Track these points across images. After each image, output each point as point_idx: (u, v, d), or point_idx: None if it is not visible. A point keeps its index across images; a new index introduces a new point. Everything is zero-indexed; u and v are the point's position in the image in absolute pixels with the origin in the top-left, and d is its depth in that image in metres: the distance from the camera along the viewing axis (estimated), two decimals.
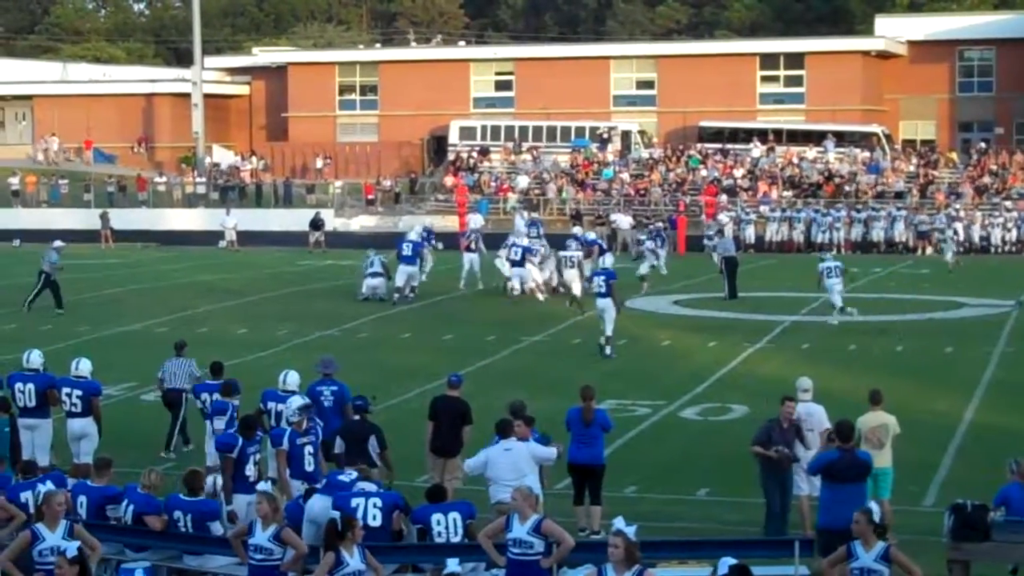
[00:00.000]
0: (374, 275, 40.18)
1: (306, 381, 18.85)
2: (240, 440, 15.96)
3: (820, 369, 25.64)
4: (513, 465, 15.51)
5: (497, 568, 13.10)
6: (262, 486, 13.68)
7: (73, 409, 18.95)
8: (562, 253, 39.43)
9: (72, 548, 11.14)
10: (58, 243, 40.46)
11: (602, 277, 30.60)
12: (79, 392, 18.95)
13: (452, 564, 11.94)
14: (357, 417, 17.19)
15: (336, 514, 12.83)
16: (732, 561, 10.52)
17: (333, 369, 19.27)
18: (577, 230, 45.33)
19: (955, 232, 56.56)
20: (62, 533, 12.45)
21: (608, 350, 30.17)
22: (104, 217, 66.54)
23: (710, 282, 43.12)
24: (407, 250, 39.90)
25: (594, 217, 62.84)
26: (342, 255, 57.05)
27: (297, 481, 16.00)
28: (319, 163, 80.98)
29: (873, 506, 11.96)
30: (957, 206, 62.21)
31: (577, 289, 36.93)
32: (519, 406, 16.59)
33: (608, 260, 32.97)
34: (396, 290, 39.70)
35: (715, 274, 42.78)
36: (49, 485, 14.12)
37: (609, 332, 30.20)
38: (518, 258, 39.89)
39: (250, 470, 15.85)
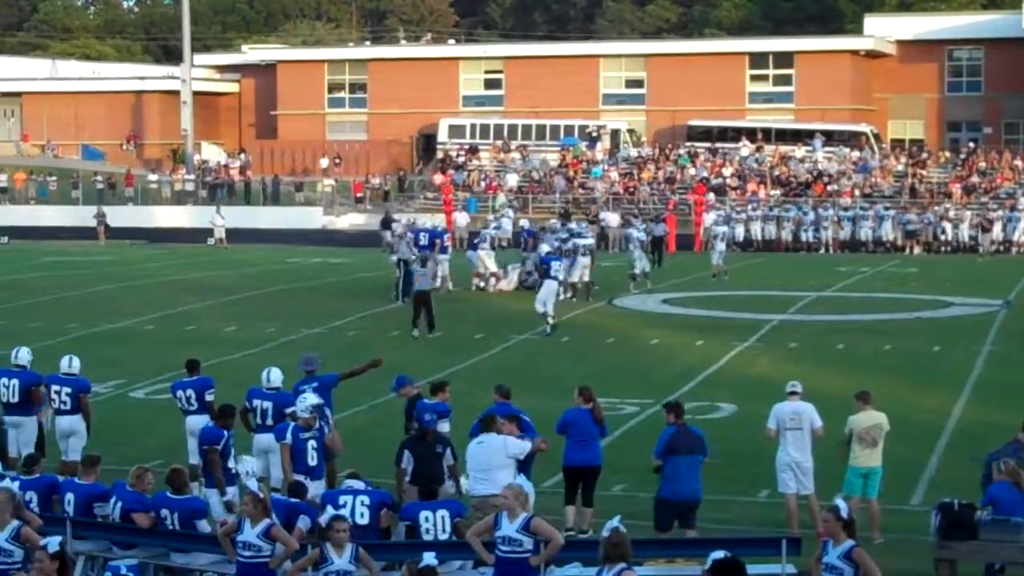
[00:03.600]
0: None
1: (291, 380, 18.78)
2: (225, 433, 15.99)
3: (808, 368, 25.67)
4: (484, 459, 15.55)
5: (485, 566, 13.11)
6: (253, 485, 13.65)
7: (62, 406, 18.81)
8: (577, 241, 39.81)
9: (54, 543, 11.10)
10: (400, 227, 42.02)
11: (558, 261, 34.62)
12: (68, 389, 18.81)
13: (428, 557, 11.91)
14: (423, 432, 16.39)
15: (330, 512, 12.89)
16: (720, 555, 10.46)
17: (315, 367, 19.15)
18: (553, 222, 45.82)
19: (724, 233, 50.68)
20: None
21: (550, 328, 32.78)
22: (100, 214, 66.42)
23: (699, 281, 43.09)
24: (423, 240, 40.87)
25: (585, 216, 62.69)
26: (332, 252, 57.08)
27: (300, 476, 15.95)
28: (324, 163, 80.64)
29: (839, 503, 11.82)
30: (947, 205, 62.32)
31: (587, 276, 39.33)
32: (507, 389, 17.44)
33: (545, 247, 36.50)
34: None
35: (706, 274, 42.42)
36: (7, 482, 14.10)
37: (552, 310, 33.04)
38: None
39: (232, 462, 15.87)
